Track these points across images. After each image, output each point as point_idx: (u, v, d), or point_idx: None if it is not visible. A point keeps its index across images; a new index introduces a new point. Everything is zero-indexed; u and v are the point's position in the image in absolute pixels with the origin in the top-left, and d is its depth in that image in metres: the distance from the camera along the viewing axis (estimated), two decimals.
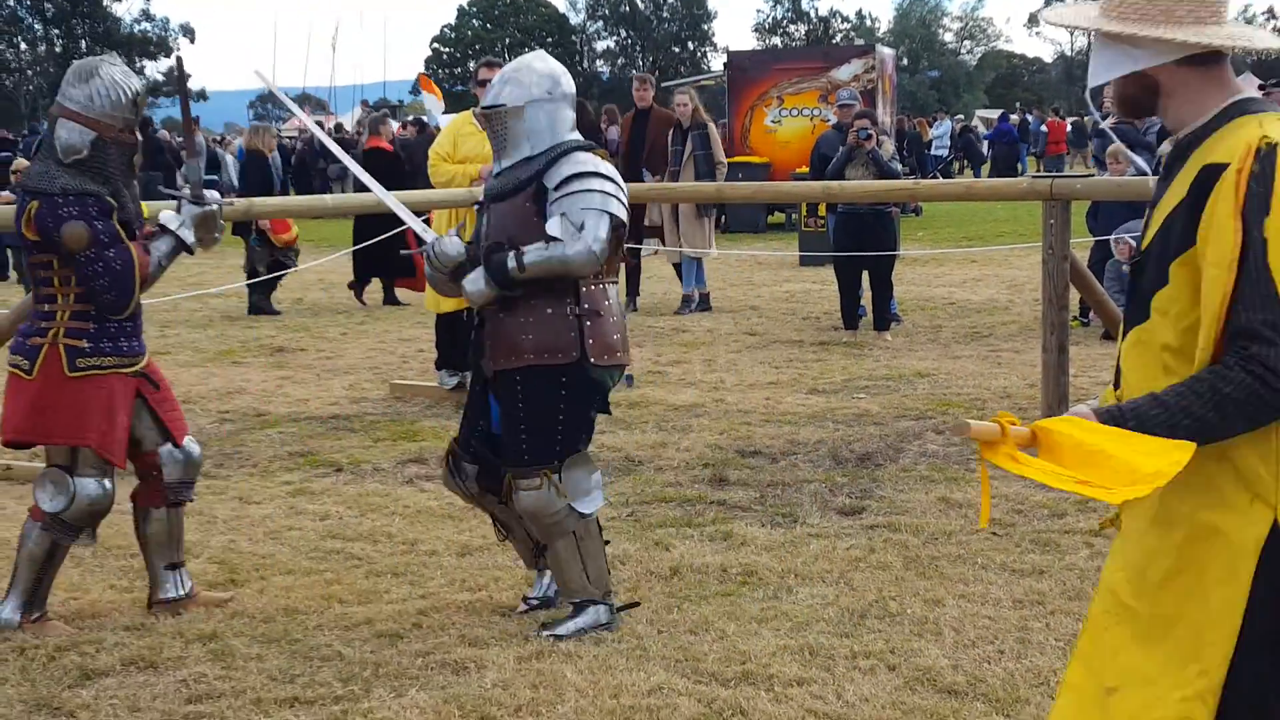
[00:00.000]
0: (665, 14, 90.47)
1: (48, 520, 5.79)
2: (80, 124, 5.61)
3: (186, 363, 12.62)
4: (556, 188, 5.54)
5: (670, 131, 15.13)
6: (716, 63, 78.45)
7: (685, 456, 8.44)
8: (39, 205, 5.58)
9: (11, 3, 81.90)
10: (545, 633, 5.57)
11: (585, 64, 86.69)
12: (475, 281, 5.56)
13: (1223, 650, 2.88)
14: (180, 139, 15.25)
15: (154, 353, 13.23)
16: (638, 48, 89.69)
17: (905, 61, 75.96)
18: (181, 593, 5.98)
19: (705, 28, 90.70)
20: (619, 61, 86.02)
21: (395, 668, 5.22)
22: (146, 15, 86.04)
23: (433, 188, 10.70)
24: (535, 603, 5.93)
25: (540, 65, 5.76)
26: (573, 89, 5.81)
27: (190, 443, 6.02)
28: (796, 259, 19.56)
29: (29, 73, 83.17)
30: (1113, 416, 2.91)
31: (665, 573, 6.25)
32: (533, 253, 5.45)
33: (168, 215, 5.91)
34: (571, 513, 5.62)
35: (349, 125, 39.33)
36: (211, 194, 6.04)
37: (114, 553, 6.70)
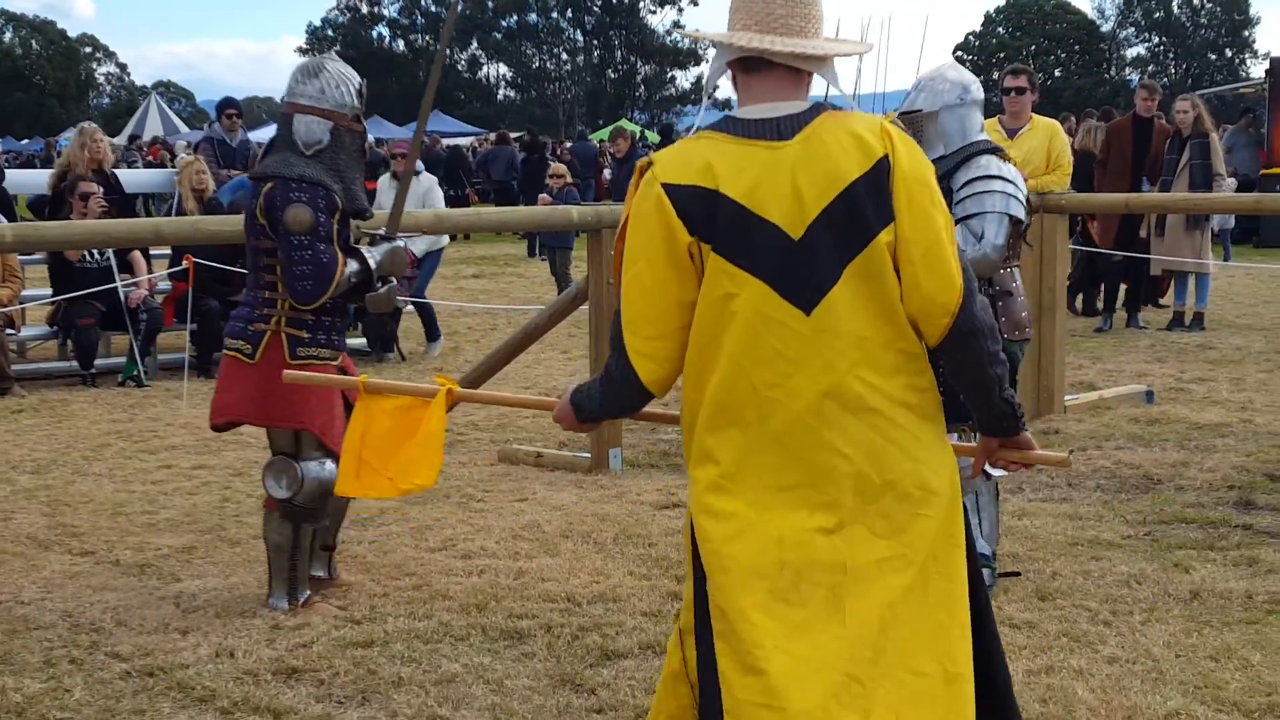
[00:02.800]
0: (1203, 19, 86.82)
1: (282, 508, 6.00)
2: (316, 115, 5.85)
3: None
4: (960, 188, 6.08)
5: (1169, 141, 14.40)
6: (1256, 69, 74.76)
7: (1208, 477, 8.07)
8: (273, 186, 5.76)
9: (554, 15, 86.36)
10: None
11: (1113, 72, 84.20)
12: None
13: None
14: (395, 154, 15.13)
15: None
16: (1170, 55, 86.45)
17: None
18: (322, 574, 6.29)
19: (1246, 33, 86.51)
20: (1149, 69, 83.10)
21: None
22: (678, 26, 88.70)
23: None
24: None
25: (953, 74, 6.32)
26: (981, 95, 6.32)
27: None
28: None
29: (567, 82, 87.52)
30: (574, 391, 3.68)
31: (1184, 595, 6.01)
32: None
33: (368, 248, 6.09)
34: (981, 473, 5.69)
35: None
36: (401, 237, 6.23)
37: (634, 541, 6.96)
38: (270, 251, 5.84)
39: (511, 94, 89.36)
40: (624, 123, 51.69)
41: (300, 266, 5.75)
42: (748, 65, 3.42)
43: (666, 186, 3.32)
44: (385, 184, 13.93)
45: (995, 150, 6.18)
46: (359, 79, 6.02)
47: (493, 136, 34.36)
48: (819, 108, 3.40)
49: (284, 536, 6.04)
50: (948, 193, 6.04)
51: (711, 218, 3.29)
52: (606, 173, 23.71)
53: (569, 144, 36.09)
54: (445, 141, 37.52)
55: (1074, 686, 5.00)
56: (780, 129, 3.36)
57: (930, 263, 3.32)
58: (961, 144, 6.18)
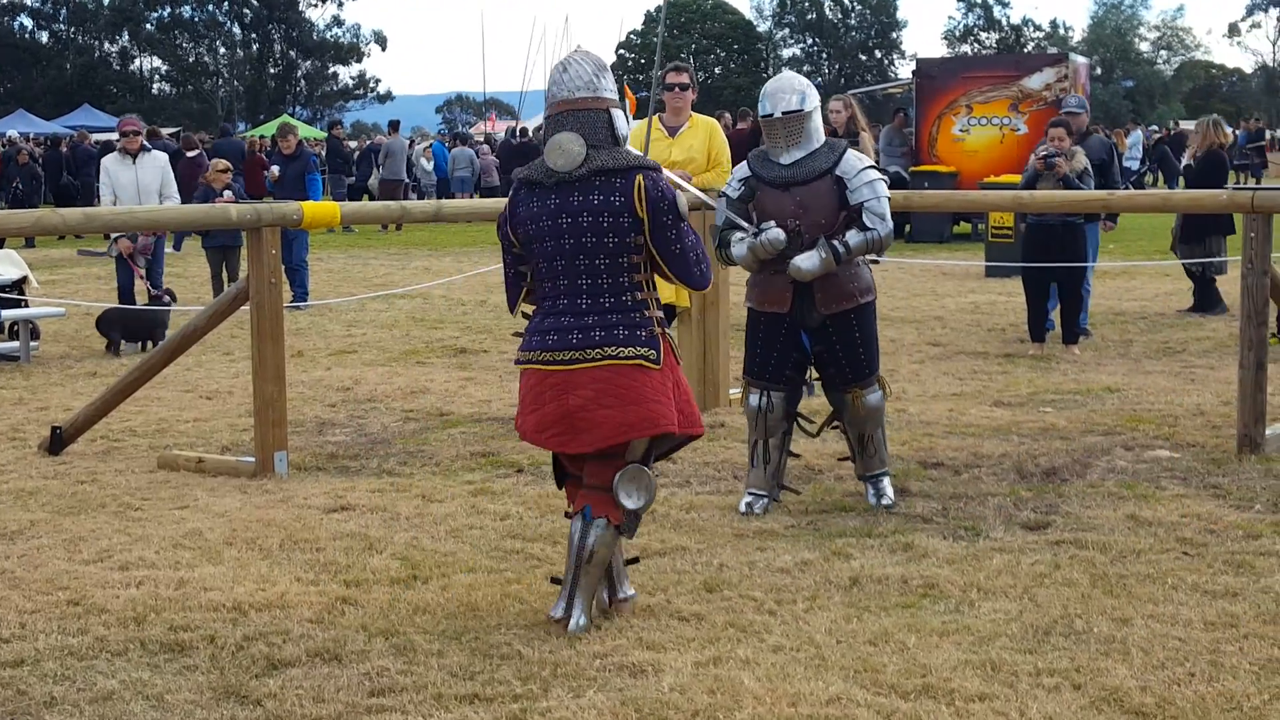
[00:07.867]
0: (853, 21, 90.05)
1: (625, 520, 5.68)
2: (619, 110, 5.72)
3: (371, 361, 12.84)
4: (853, 177, 7.35)
5: None
6: (904, 70, 77.88)
7: None
8: (645, 176, 5.56)
9: (210, 7, 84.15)
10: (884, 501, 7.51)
11: (770, 71, 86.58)
12: (810, 260, 7.27)
13: None
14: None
15: (341, 351, 13.57)
16: (824, 55, 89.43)
17: (1099, 71, 74.72)
18: (632, 593, 5.92)
19: (894, 35, 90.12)
20: (805, 69, 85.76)
21: (573, 668, 5.23)
22: (338, 21, 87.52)
23: None
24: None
25: (802, 78, 7.57)
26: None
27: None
28: (983, 269, 19.28)
29: (226, 75, 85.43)
30: None
31: (845, 582, 6.19)
32: (854, 238, 7.31)
33: None
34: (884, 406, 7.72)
35: (531, 130, 39.72)
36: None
37: (301, 546, 6.82)
38: (637, 249, 5.58)
39: (167, 88, 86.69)
40: (287, 118, 50.74)
41: (696, 252, 5.67)
42: None
43: None
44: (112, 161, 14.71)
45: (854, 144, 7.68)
46: None
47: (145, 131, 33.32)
48: None
49: (610, 549, 5.66)
50: (838, 180, 7.36)
51: None
52: (275, 168, 23.16)
53: (209, 141, 34.87)
54: (95, 137, 36.22)
55: (741, 676, 5.09)
56: None
57: None
58: (823, 138, 7.47)
